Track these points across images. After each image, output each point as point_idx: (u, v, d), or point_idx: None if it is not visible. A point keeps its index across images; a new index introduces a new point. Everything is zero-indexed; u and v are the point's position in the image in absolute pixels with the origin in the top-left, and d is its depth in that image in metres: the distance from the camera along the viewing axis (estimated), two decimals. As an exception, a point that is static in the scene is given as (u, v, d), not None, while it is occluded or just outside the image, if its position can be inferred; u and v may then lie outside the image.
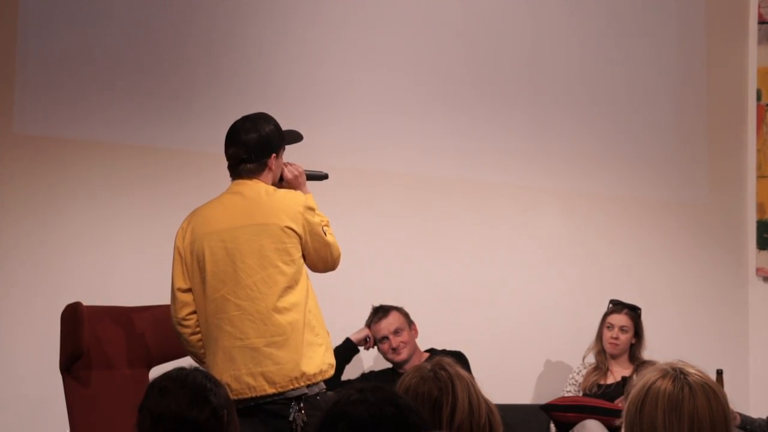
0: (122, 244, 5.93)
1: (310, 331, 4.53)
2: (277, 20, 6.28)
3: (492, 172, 6.70)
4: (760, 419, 6.02)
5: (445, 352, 6.12)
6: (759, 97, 7.20)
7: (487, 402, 3.14)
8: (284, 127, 4.73)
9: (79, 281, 5.76)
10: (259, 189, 4.60)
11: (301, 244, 4.57)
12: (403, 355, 6.08)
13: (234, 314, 4.50)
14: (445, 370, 3.13)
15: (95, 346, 4.88)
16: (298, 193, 4.67)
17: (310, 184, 4.81)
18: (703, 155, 7.14)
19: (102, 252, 5.90)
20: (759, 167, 7.17)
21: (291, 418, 4.44)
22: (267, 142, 4.63)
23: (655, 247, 7.01)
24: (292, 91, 6.27)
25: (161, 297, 5.23)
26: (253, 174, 4.63)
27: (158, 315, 5.06)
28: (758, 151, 7.19)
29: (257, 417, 4.49)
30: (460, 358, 6.07)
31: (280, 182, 4.73)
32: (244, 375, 4.47)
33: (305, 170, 4.82)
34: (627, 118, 7.00)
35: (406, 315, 6.15)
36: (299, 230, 4.55)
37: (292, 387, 4.46)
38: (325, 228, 4.66)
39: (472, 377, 3.16)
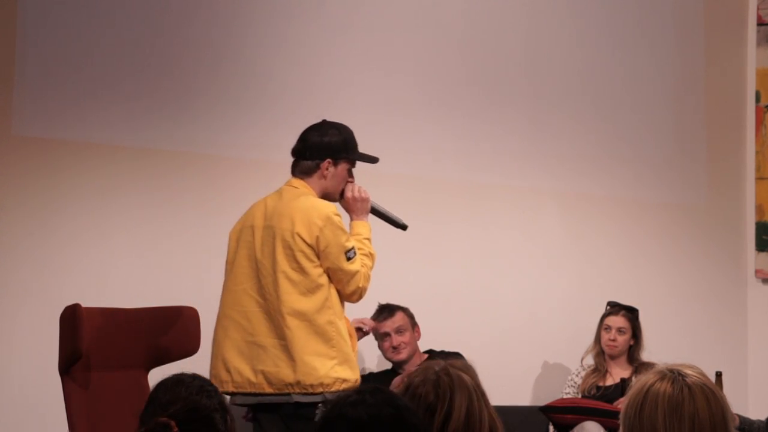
0: (121, 245, 5.93)
1: (323, 343, 4.52)
2: (276, 22, 6.28)
3: (490, 174, 6.70)
4: (759, 421, 6.02)
5: (444, 354, 6.12)
6: (758, 99, 7.21)
7: (491, 416, 2.99)
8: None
9: (78, 283, 5.76)
10: (296, 192, 4.62)
11: (318, 258, 4.56)
12: (403, 355, 6.08)
13: (251, 310, 4.57)
14: (449, 376, 2.98)
15: (94, 347, 4.87)
16: (327, 205, 4.62)
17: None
18: (701, 157, 7.15)
19: (101, 253, 5.89)
20: (758, 169, 7.18)
21: (317, 419, 4.47)
22: (327, 145, 4.67)
23: (653, 248, 7.01)
24: (290, 93, 6.26)
25: (160, 298, 5.24)
26: (306, 174, 4.67)
27: (157, 316, 5.06)
28: (757, 152, 7.19)
29: (276, 414, 4.54)
30: (458, 359, 6.07)
31: (341, 199, 4.74)
32: (247, 370, 4.54)
33: (387, 211, 4.86)
34: (626, 119, 7.00)
35: (411, 316, 6.16)
36: (311, 241, 4.52)
37: (286, 392, 4.48)
38: (355, 254, 4.59)
39: (478, 387, 3.01)
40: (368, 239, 4.73)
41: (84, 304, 4.89)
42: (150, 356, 5.03)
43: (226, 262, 4.73)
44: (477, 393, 2.99)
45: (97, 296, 5.39)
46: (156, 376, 3.83)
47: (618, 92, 6.99)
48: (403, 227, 4.90)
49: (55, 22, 5.84)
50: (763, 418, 6.04)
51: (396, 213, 6.49)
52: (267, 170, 6.12)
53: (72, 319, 4.83)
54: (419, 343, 6.19)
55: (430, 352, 6.20)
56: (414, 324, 6.16)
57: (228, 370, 4.59)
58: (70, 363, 4.81)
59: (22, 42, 5.78)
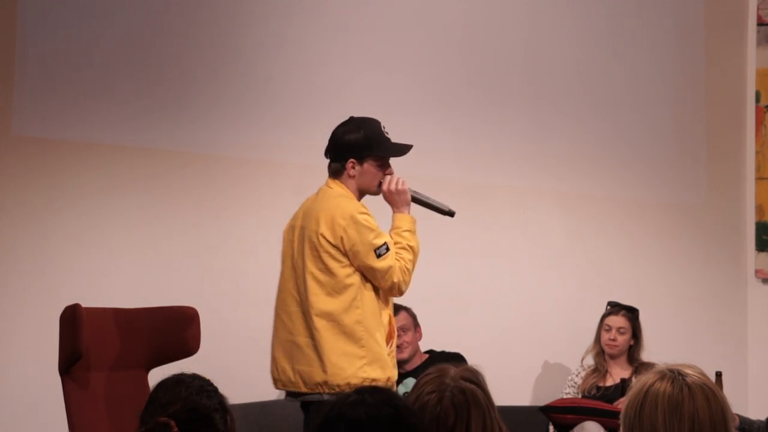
0: (121, 245, 5.93)
1: (352, 343, 4.56)
2: (276, 22, 6.28)
3: (491, 174, 6.70)
4: (759, 421, 6.02)
5: (444, 354, 6.13)
6: (758, 99, 7.20)
7: (501, 428, 2.95)
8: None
9: (78, 282, 5.75)
10: (329, 192, 4.64)
11: (347, 257, 4.57)
12: (405, 354, 6.11)
13: (293, 309, 4.63)
14: (464, 394, 2.91)
15: (94, 347, 4.87)
16: (352, 204, 4.60)
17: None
18: (701, 157, 7.14)
19: (101, 253, 5.89)
20: (758, 169, 7.18)
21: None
22: (345, 146, 4.65)
23: (653, 248, 7.01)
24: (290, 93, 6.26)
25: (160, 298, 5.23)
26: (335, 175, 4.68)
27: (157, 316, 5.05)
28: (757, 152, 7.19)
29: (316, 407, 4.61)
30: (459, 359, 6.08)
31: (379, 188, 4.70)
32: (288, 369, 4.62)
33: (429, 198, 4.81)
34: (626, 119, 7.00)
35: (413, 317, 6.20)
36: (335, 242, 4.54)
37: (317, 391, 4.54)
38: (387, 250, 4.56)
39: (489, 401, 2.94)
40: (409, 231, 4.69)
41: (84, 304, 4.88)
42: (150, 356, 5.03)
43: (281, 261, 4.77)
44: (489, 409, 2.94)
45: (97, 296, 5.39)
46: (156, 376, 3.83)
47: (618, 92, 6.98)
48: (451, 214, 4.83)
49: (55, 22, 5.84)
50: (763, 418, 6.04)
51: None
52: (267, 170, 6.13)
53: (72, 319, 4.82)
54: (419, 343, 6.20)
55: (431, 353, 6.21)
56: (416, 324, 6.19)
57: (277, 369, 4.72)
58: (70, 363, 4.81)
59: (22, 42, 5.78)
